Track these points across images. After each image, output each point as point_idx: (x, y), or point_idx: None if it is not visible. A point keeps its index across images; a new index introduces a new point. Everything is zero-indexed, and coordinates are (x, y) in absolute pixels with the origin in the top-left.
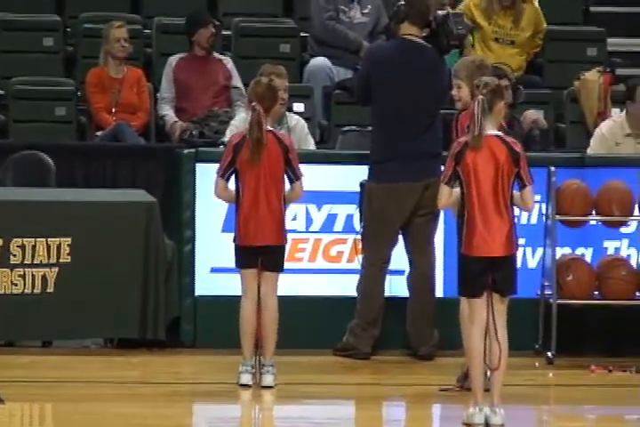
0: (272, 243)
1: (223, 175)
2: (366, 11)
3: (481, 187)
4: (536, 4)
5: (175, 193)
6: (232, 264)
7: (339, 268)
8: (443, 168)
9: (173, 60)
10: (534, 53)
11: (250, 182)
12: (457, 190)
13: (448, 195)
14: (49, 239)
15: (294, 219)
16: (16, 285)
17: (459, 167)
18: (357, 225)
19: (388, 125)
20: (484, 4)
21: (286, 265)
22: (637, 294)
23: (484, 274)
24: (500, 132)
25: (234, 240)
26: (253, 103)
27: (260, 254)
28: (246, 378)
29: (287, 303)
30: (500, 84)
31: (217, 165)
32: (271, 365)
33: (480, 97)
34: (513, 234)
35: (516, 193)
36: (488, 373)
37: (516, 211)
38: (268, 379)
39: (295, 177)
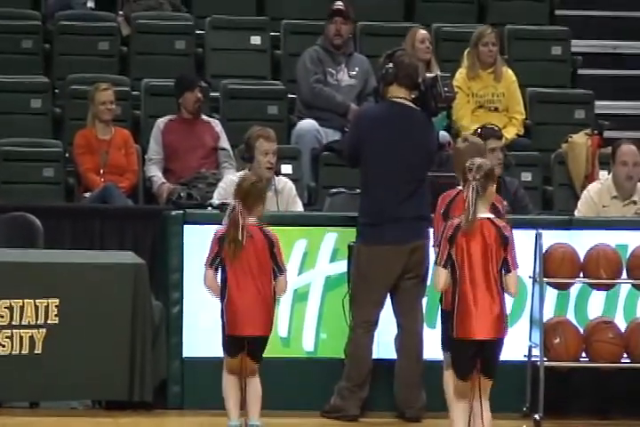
0: (260, 334)
1: (211, 266)
2: (354, 73)
3: (473, 269)
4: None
5: (163, 255)
6: (219, 326)
7: None
8: (430, 231)
9: (162, 121)
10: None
11: (238, 274)
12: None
13: (445, 277)
14: (37, 301)
15: None
16: (3, 346)
17: (452, 250)
18: (345, 287)
19: (376, 188)
20: (469, 69)
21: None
22: (625, 356)
23: (475, 357)
24: (491, 215)
25: (223, 329)
26: (234, 202)
27: (247, 343)
28: None
29: (275, 365)
30: (493, 167)
31: (204, 227)
32: (257, 425)
33: (474, 183)
34: (504, 316)
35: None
36: None
37: None
38: None
39: (279, 271)
